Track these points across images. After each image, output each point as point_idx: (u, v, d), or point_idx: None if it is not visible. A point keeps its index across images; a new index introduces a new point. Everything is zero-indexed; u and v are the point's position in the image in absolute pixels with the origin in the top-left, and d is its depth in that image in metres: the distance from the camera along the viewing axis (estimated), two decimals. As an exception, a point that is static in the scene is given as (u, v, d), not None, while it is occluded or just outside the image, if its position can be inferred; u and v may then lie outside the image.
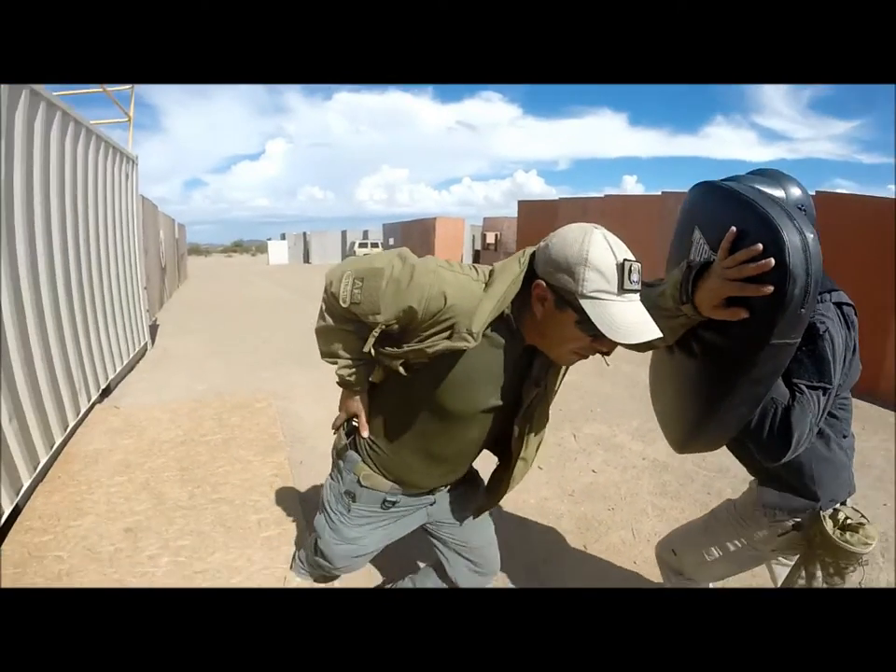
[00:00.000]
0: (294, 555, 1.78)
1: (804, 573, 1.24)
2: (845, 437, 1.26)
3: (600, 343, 0.95)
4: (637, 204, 6.57)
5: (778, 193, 1.12)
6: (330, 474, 1.39)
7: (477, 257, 14.33)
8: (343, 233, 30.23)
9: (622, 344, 0.95)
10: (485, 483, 1.43)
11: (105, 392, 4.08)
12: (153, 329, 6.60)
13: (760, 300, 0.89)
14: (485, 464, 1.42)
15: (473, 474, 1.48)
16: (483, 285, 1.00)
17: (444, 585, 1.53)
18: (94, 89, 4.22)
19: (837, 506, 1.23)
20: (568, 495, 2.91)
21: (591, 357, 1.03)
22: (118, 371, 4.43)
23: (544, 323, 0.97)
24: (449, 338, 0.97)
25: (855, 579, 1.22)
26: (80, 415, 3.40)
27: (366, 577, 1.68)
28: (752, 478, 1.40)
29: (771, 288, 0.87)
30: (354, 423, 1.28)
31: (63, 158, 3.32)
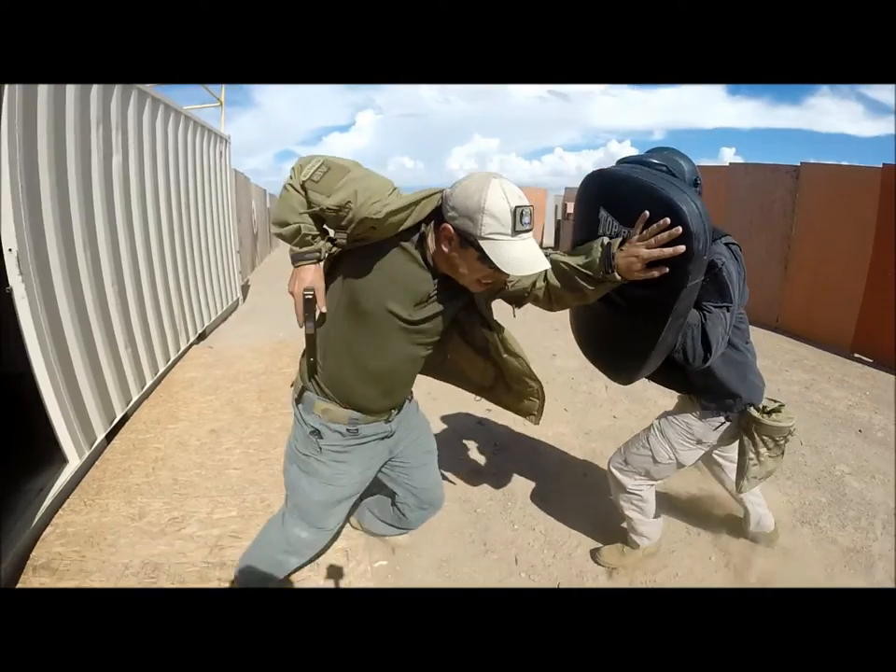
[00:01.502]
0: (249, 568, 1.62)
1: (752, 454, 1.64)
2: (747, 343, 1.66)
3: (501, 273, 1.11)
4: (707, 175, 6.42)
5: (677, 168, 1.38)
6: (293, 427, 1.44)
7: (559, 227, 14.08)
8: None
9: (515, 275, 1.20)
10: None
11: (201, 336, 4.96)
12: (244, 288, 7.58)
13: (676, 258, 1.17)
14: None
15: (421, 415, 1.65)
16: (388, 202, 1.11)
17: (394, 512, 1.73)
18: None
19: (759, 405, 1.63)
20: (584, 433, 3.22)
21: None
22: (212, 320, 5.32)
23: (451, 257, 1.13)
24: (373, 206, 1.06)
25: (789, 448, 1.67)
26: (180, 352, 4.24)
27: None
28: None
29: (683, 248, 1.16)
30: (308, 296, 1.18)
31: (166, 142, 4.06)
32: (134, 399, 3.22)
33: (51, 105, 2.43)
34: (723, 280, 1.40)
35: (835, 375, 4.32)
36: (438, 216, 1.14)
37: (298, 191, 1.13)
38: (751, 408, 1.62)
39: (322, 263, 1.21)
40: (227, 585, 1.82)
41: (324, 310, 1.21)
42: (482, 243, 1.05)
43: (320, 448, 1.35)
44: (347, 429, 1.35)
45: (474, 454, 2.97)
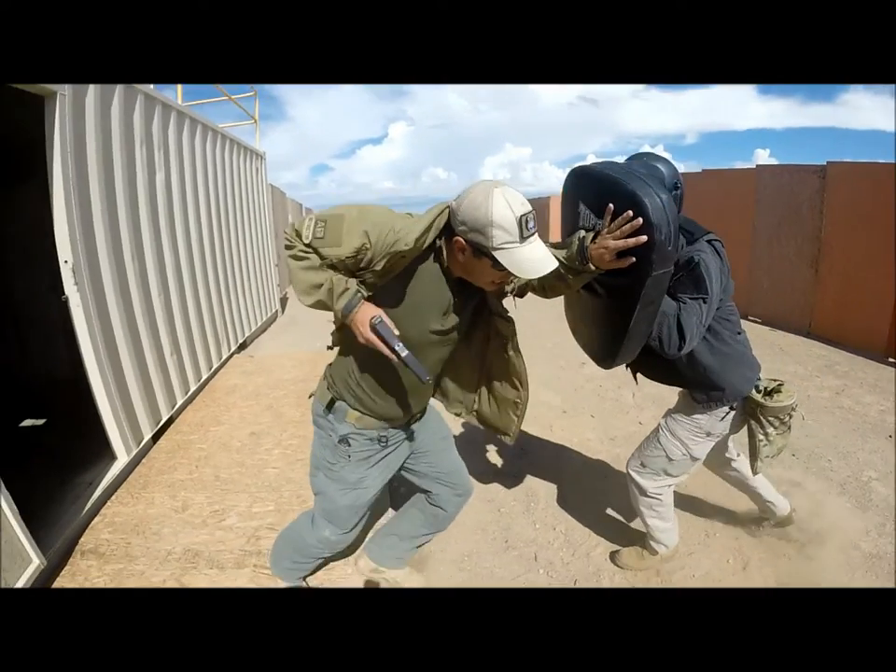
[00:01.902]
0: (273, 558, 1.77)
1: (760, 436, 1.68)
2: (739, 333, 1.67)
3: (512, 275, 1.18)
4: (734, 178, 6.43)
5: (657, 173, 1.44)
6: (317, 435, 1.47)
7: None
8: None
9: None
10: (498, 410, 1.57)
11: (242, 346, 5.17)
12: (283, 300, 7.87)
13: (640, 247, 1.21)
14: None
15: (432, 407, 1.64)
16: (413, 219, 1.20)
17: (431, 514, 1.69)
18: (221, 97, 5.22)
19: (756, 382, 1.66)
20: (610, 439, 3.18)
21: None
22: (252, 331, 5.54)
23: (467, 265, 1.20)
24: (395, 247, 1.12)
25: (795, 423, 1.74)
26: (222, 360, 4.44)
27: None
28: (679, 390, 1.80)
29: (645, 238, 1.20)
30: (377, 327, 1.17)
31: (205, 159, 4.30)
32: (179, 402, 3.39)
33: (98, 128, 2.63)
34: (700, 273, 1.45)
35: (868, 380, 4.14)
36: (448, 228, 1.19)
37: (308, 253, 1.17)
38: (753, 392, 1.66)
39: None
40: (262, 572, 1.90)
41: (396, 332, 1.18)
42: (494, 253, 1.11)
43: (349, 456, 1.41)
44: (379, 436, 1.41)
45: (499, 457, 2.99)
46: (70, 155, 2.38)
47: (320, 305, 1.20)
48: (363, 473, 1.44)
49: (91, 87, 2.54)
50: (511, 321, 1.42)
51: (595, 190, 1.33)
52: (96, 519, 2.27)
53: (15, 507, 1.69)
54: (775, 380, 1.68)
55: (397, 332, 1.18)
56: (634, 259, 1.22)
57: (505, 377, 1.49)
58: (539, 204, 14.35)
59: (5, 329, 3.78)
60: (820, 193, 5.23)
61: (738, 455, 1.96)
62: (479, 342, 1.47)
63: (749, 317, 6.01)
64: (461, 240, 1.15)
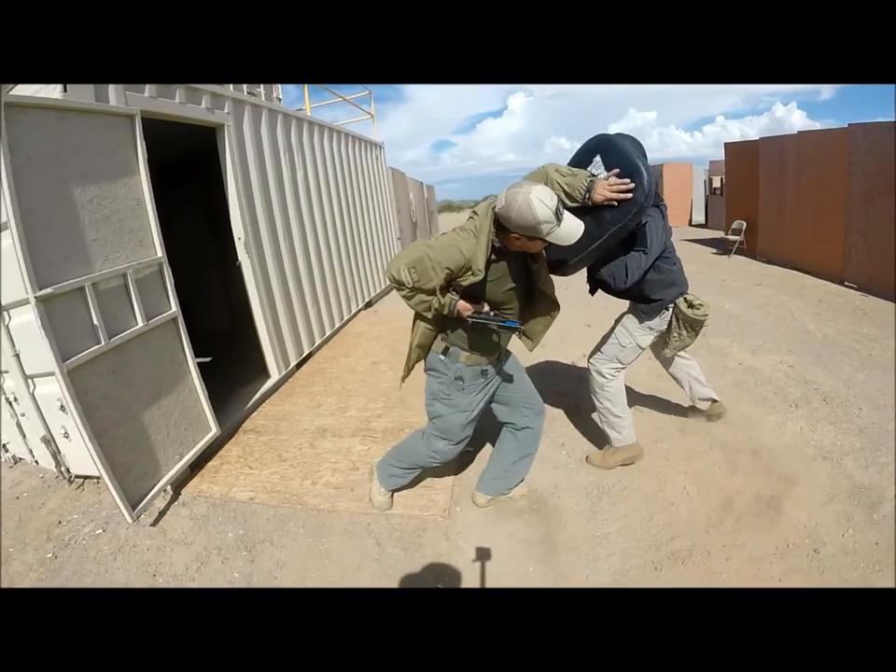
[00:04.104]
0: (375, 475, 2.28)
1: (675, 333, 2.28)
2: (674, 264, 2.21)
3: None
4: (828, 139, 5.75)
5: (639, 148, 1.94)
6: (433, 376, 1.95)
7: (707, 203, 12.87)
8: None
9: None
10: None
11: (368, 304, 6.31)
12: (408, 269, 8.93)
13: (628, 203, 1.73)
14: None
15: (508, 350, 2.07)
16: (475, 238, 1.63)
17: (521, 436, 2.12)
18: (336, 99, 6.26)
19: (685, 295, 2.22)
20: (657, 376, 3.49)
21: None
22: (377, 293, 6.66)
23: (524, 245, 1.64)
24: (473, 275, 1.64)
25: (701, 332, 2.31)
26: (352, 314, 5.58)
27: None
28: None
29: (630, 196, 1.73)
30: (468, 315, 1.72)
31: (333, 156, 5.37)
32: (318, 342, 4.55)
33: (253, 143, 3.72)
34: (645, 232, 2.00)
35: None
36: (499, 227, 1.63)
37: (413, 293, 1.67)
38: (681, 301, 2.24)
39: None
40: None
41: (486, 309, 1.77)
42: (544, 237, 1.58)
43: (463, 388, 1.90)
44: (482, 370, 1.90)
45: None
46: (237, 165, 3.49)
47: (429, 315, 1.76)
48: (471, 398, 1.93)
49: (246, 115, 3.63)
50: (543, 261, 1.87)
51: (612, 152, 1.83)
52: (255, 413, 3.42)
53: (206, 394, 2.76)
54: (698, 298, 2.26)
55: (486, 308, 1.76)
56: (617, 204, 1.75)
57: (546, 301, 1.93)
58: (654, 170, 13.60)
59: (190, 292, 5.37)
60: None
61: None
62: (530, 285, 1.90)
63: (846, 283, 5.69)
64: (517, 235, 1.61)
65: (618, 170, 1.73)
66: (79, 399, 1.97)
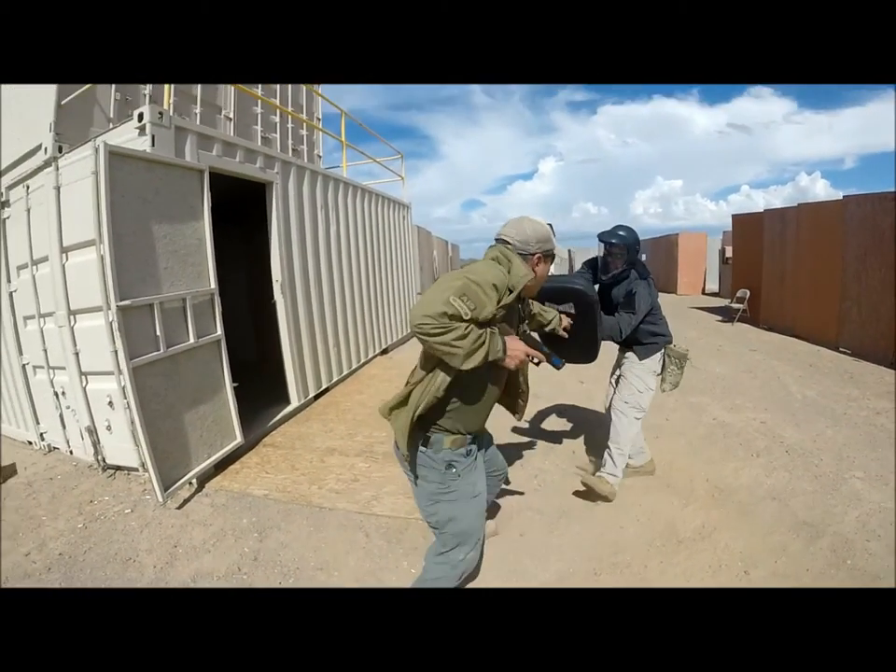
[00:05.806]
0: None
1: (669, 369, 2.68)
2: (659, 319, 2.67)
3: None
4: (824, 210, 6.35)
5: (632, 236, 2.54)
6: (421, 478, 1.63)
7: (721, 273, 13.23)
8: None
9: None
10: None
11: (384, 351, 6.75)
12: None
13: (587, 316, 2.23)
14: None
15: None
16: (499, 264, 1.53)
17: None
18: (368, 160, 7.07)
19: (671, 345, 2.65)
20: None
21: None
22: (393, 341, 7.12)
23: (540, 273, 1.62)
24: (510, 292, 1.46)
25: (687, 367, 2.72)
26: (368, 358, 6.02)
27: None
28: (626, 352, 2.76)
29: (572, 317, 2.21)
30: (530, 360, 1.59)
31: (363, 214, 6.03)
32: (335, 378, 4.97)
33: (294, 199, 4.34)
34: (632, 300, 2.52)
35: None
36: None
37: (469, 328, 1.34)
38: (669, 346, 2.73)
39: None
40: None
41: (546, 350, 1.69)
42: (555, 251, 1.67)
43: (458, 475, 1.61)
44: (467, 450, 1.64)
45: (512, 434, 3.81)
46: (280, 217, 4.09)
47: (478, 360, 1.38)
48: (472, 478, 1.66)
49: (291, 175, 4.27)
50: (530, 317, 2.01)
51: (563, 296, 2.27)
52: (274, 432, 3.82)
53: (237, 408, 3.18)
54: (679, 346, 2.75)
55: (543, 352, 1.65)
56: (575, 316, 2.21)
57: (522, 376, 1.81)
58: (670, 241, 14.20)
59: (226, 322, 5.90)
60: (903, 221, 5.13)
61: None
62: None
63: (841, 349, 5.95)
64: (538, 254, 1.62)
65: (572, 304, 2.21)
66: (137, 393, 2.39)
